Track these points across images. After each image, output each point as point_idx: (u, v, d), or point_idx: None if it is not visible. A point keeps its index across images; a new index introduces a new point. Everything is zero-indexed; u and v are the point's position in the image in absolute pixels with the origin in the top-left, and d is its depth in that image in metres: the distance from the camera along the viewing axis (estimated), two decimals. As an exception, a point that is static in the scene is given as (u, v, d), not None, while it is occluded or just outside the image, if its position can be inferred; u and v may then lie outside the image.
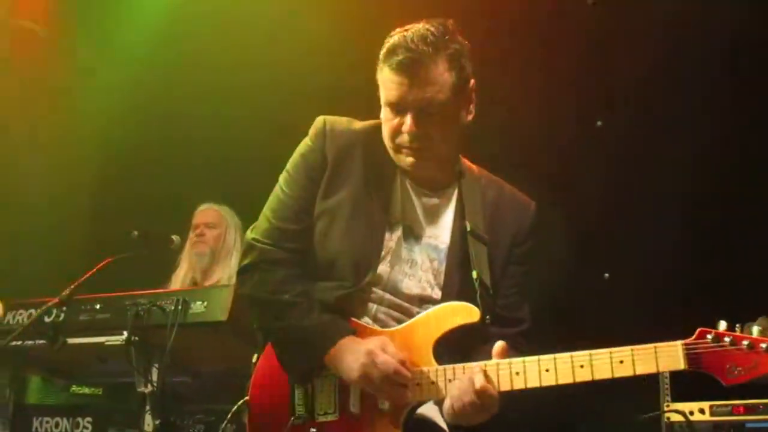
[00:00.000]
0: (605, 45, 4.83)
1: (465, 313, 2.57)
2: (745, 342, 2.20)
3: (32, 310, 3.88)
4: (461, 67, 2.63)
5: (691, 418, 3.20)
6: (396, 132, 2.65)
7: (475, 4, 4.76)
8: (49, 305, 3.71)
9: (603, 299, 4.57)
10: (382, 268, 2.69)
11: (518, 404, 2.55)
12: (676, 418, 3.23)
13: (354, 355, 2.53)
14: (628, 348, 2.30)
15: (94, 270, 3.82)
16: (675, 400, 3.27)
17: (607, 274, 4.72)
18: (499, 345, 2.45)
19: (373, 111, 2.80)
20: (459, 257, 2.70)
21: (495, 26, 4.78)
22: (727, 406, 3.17)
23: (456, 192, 2.79)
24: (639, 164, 4.76)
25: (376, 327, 2.65)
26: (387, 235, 2.71)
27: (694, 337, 2.25)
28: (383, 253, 2.69)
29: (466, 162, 2.87)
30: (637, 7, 4.77)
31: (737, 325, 2.24)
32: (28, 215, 6.14)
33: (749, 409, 3.12)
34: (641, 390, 3.35)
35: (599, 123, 4.89)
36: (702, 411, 3.20)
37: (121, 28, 6.54)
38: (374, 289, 2.69)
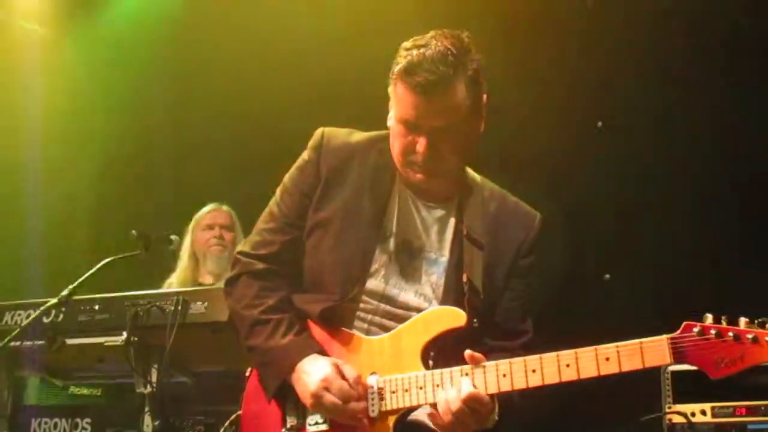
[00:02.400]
0: (604, 47, 4.83)
1: (451, 317, 2.55)
2: (731, 333, 2.17)
3: (31, 311, 3.86)
4: (478, 86, 2.60)
5: (693, 419, 3.19)
6: (408, 150, 2.62)
7: (472, 7, 4.77)
8: (48, 306, 3.69)
9: (603, 300, 4.57)
10: (376, 283, 2.67)
11: (519, 417, 2.55)
12: (678, 419, 3.22)
13: (304, 387, 2.55)
14: (613, 345, 2.28)
15: (93, 270, 3.81)
16: (676, 401, 3.26)
17: (607, 276, 4.72)
18: (467, 354, 2.42)
19: (377, 117, 2.79)
20: (457, 268, 2.68)
21: (492, 28, 4.78)
22: (729, 407, 3.15)
23: (457, 202, 2.76)
24: (639, 166, 4.76)
25: (362, 336, 2.64)
26: (379, 248, 2.68)
27: (679, 330, 2.22)
28: (375, 267, 2.67)
29: (471, 172, 2.84)
30: (635, 8, 4.77)
31: (723, 317, 2.21)
32: (29, 216, 6.13)
33: (751, 411, 3.10)
34: (643, 391, 3.35)
35: (599, 124, 4.89)
36: (704, 412, 3.19)
37: (123, 27, 6.55)
38: (368, 299, 2.67)
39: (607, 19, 4.87)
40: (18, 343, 3.77)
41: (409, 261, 2.70)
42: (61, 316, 3.83)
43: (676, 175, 4.64)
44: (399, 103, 2.60)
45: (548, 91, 4.88)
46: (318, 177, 2.75)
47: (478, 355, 2.43)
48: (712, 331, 2.18)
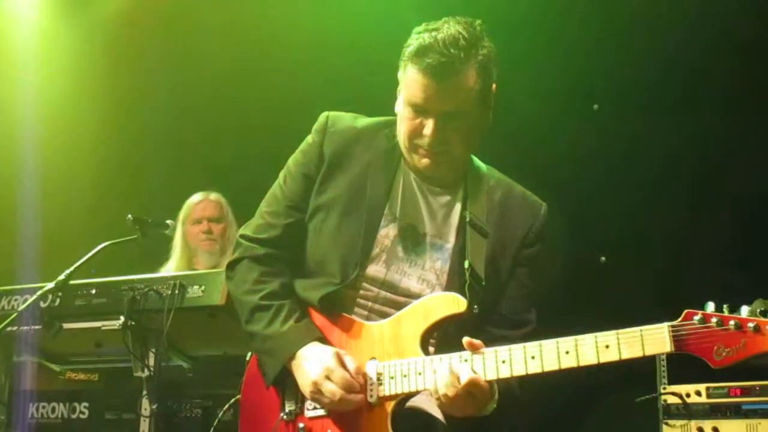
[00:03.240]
0: (601, 30, 4.82)
1: (451, 303, 2.53)
2: (732, 322, 2.15)
3: (28, 296, 3.86)
4: (489, 74, 2.59)
5: (688, 400, 3.21)
6: (416, 133, 2.60)
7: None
8: (45, 290, 3.69)
9: (599, 283, 4.58)
10: (377, 267, 2.66)
11: (518, 403, 2.54)
12: (673, 400, 3.23)
13: (304, 375, 2.54)
14: (613, 332, 2.27)
15: (89, 255, 3.81)
16: (672, 382, 3.28)
17: (603, 258, 4.73)
18: (465, 340, 2.41)
19: (381, 105, 2.80)
20: (461, 254, 2.67)
21: (490, 14, 4.75)
22: (723, 388, 3.17)
23: (463, 189, 2.74)
24: (636, 149, 4.76)
25: (362, 321, 2.63)
26: (382, 232, 2.67)
27: (680, 318, 2.21)
28: (377, 251, 2.66)
29: (477, 161, 2.83)
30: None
31: (725, 306, 2.19)
32: (25, 201, 6.13)
33: (746, 391, 3.12)
34: (638, 372, 3.36)
35: (596, 107, 4.89)
36: (698, 393, 3.21)
37: (121, 16, 6.53)
38: (369, 286, 2.66)
39: (606, 3, 4.87)
40: (15, 328, 3.77)
41: (412, 246, 2.68)
42: (58, 300, 3.83)
43: (675, 159, 4.65)
44: (408, 85, 2.58)
45: (545, 74, 4.87)
46: (321, 159, 2.74)
47: (476, 341, 2.42)
48: (714, 320, 2.17)
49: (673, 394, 3.24)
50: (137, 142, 6.38)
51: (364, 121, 2.81)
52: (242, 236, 2.82)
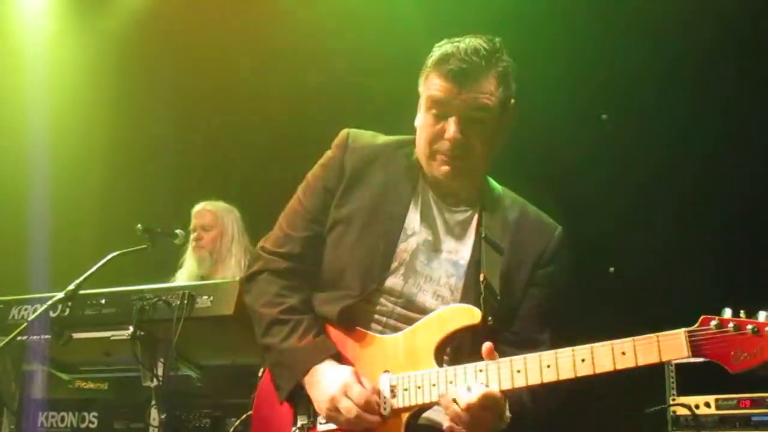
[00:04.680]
0: (609, 40, 4.82)
1: (466, 314, 2.53)
2: (750, 326, 2.14)
3: (38, 305, 3.87)
4: (508, 85, 2.62)
5: (697, 411, 3.19)
6: (437, 137, 2.62)
7: (478, 2, 4.77)
8: (55, 300, 3.70)
9: (609, 293, 4.57)
10: (395, 281, 2.66)
11: (529, 416, 2.53)
12: (682, 411, 3.22)
13: (320, 391, 2.54)
14: (629, 339, 2.25)
15: (99, 265, 3.82)
16: (681, 393, 3.27)
17: (612, 269, 4.72)
18: (486, 346, 2.41)
19: (390, 119, 2.82)
20: (476, 270, 2.67)
21: (496, 21, 4.77)
22: (732, 399, 3.16)
23: (479, 207, 2.75)
24: (644, 157, 4.75)
25: (376, 335, 2.63)
26: (402, 246, 2.67)
27: (697, 324, 2.20)
28: (395, 264, 2.66)
29: (492, 181, 2.85)
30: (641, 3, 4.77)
31: (741, 311, 2.18)
32: (35, 211, 6.14)
33: (755, 403, 3.11)
34: (647, 383, 3.36)
35: (604, 116, 4.88)
36: (708, 405, 3.19)
37: (129, 22, 6.55)
38: (384, 301, 2.66)
39: (615, 12, 4.86)
40: (25, 338, 3.78)
41: (428, 261, 2.68)
42: (68, 310, 3.84)
43: (682, 167, 4.64)
44: (429, 90, 2.61)
45: (553, 84, 4.87)
46: (342, 174, 2.75)
47: (491, 354, 2.41)
48: (730, 325, 2.16)
49: (683, 405, 3.23)
50: (148, 152, 6.40)
51: (383, 139, 2.83)
52: (262, 249, 2.83)
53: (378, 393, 2.53)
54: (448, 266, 2.69)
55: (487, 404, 2.36)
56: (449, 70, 2.55)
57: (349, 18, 5.51)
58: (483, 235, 2.68)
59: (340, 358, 2.61)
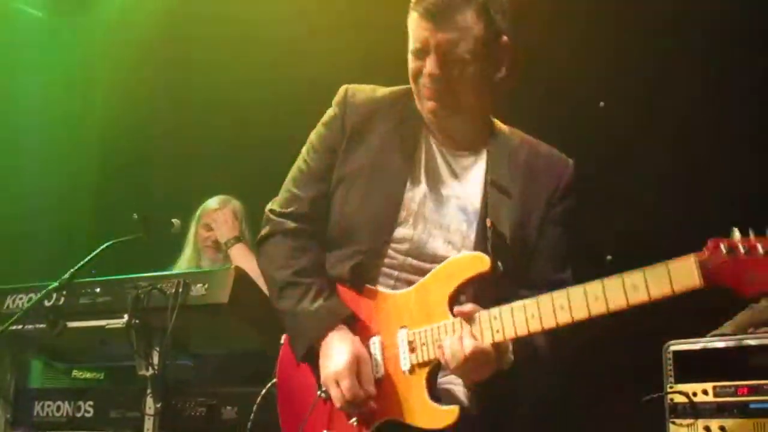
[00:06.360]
0: (609, 28, 4.80)
1: (476, 262, 2.50)
2: (761, 248, 2.01)
3: (32, 294, 3.87)
4: (491, 19, 2.58)
5: (695, 399, 3.17)
6: (418, 74, 2.62)
7: None
8: (49, 289, 3.70)
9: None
10: (405, 231, 2.65)
11: (539, 358, 2.53)
12: (680, 399, 3.20)
13: (324, 365, 2.57)
14: (639, 269, 2.18)
15: (94, 254, 3.82)
16: (678, 381, 3.25)
17: (609, 257, 4.70)
18: (455, 310, 2.43)
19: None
20: (485, 216, 2.66)
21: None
22: (731, 387, 3.13)
23: (485, 151, 2.73)
24: (641, 146, 4.73)
25: (389, 291, 2.63)
26: (409, 195, 2.66)
27: (706, 249, 2.09)
28: (405, 214, 2.65)
29: (499, 123, 2.83)
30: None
31: (751, 231, 2.07)
32: (29, 200, 6.14)
33: (753, 390, 3.08)
34: (644, 371, 3.34)
35: (602, 104, 4.86)
36: (705, 392, 3.17)
37: (124, 14, 6.53)
38: (395, 254, 2.65)
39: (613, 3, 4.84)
40: (20, 327, 3.77)
41: (437, 209, 2.67)
42: (63, 299, 3.83)
43: (679, 157, 4.61)
44: (410, 29, 2.62)
45: (551, 71, 4.84)
46: (343, 131, 2.75)
47: (466, 309, 2.42)
48: (741, 248, 2.05)
49: (680, 393, 3.21)
50: (143, 140, 6.38)
51: (383, 90, 2.83)
52: (270, 211, 2.83)
53: (373, 385, 2.54)
54: (457, 212, 2.67)
55: (479, 360, 2.38)
56: (425, 7, 2.54)
57: (348, 15, 5.49)
58: (489, 180, 2.66)
59: (353, 320, 2.62)
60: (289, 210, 2.79)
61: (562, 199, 2.72)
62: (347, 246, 2.69)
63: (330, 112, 2.82)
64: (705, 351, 3.17)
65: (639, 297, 2.19)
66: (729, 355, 3.12)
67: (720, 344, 3.16)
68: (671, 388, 3.22)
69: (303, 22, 5.61)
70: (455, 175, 2.71)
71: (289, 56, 5.64)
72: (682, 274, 2.12)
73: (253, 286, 3.60)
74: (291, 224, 2.77)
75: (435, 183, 2.69)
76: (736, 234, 2.09)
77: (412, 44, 2.62)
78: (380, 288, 2.65)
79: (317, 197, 2.77)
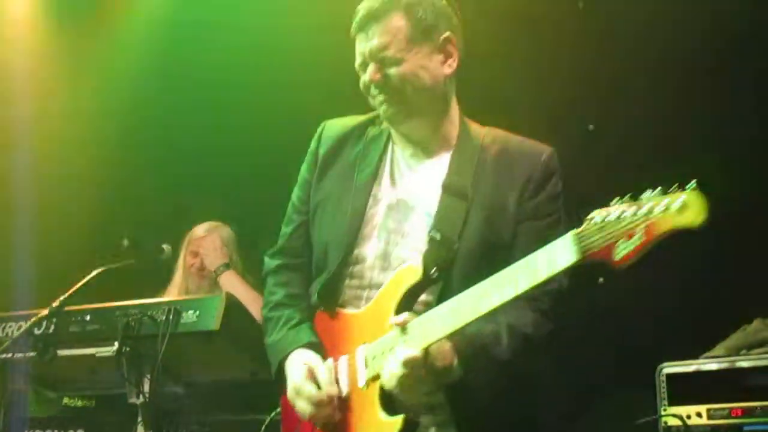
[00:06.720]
0: (596, 47, 4.81)
1: (409, 274, 2.53)
2: (628, 212, 1.92)
3: (22, 322, 3.84)
4: (419, 17, 2.67)
5: (689, 422, 3.17)
6: (366, 87, 2.73)
7: (465, 7, 4.75)
8: (39, 317, 3.67)
9: (598, 304, 4.54)
10: (370, 245, 2.69)
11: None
12: (674, 422, 3.20)
13: (287, 385, 2.68)
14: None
15: (84, 281, 3.79)
16: (672, 403, 3.25)
17: (601, 279, 4.69)
18: (390, 321, 2.44)
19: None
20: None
21: (485, 24, 4.75)
22: (724, 409, 3.13)
23: (450, 156, 2.74)
24: (632, 167, 4.74)
25: (353, 311, 2.67)
26: (371, 212, 2.71)
27: (584, 224, 2.02)
28: (368, 229, 2.70)
29: (472, 124, 2.83)
30: (626, 9, 4.76)
31: (629, 196, 1.97)
32: (20, 226, 6.10)
33: (747, 412, 3.08)
34: (638, 393, 3.34)
35: (591, 127, 4.87)
36: (699, 415, 3.17)
37: (118, 30, 6.51)
38: (362, 273, 2.68)
39: (600, 19, 4.86)
40: (9, 355, 3.75)
41: (404, 219, 2.69)
42: (53, 327, 3.81)
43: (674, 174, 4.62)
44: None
45: (540, 92, 4.86)
46: (316, 163, 2.87)
47: (401, 319, 2.42)
48: (611, 216, 1.96)
49: (674, 416, 3.21)
50: (134, 166, 6.36)
51: (357, 118, 2.92)
52: (264, 253, 2.98)
53: (336, 387, 2.60)
54: (420, 221, 2.67)
55: (413, 367, 2.35)
56: (357, 25, 2.69)
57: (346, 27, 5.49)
58: (443, 184, 2.67)
59: (316, 346, 2.67)
60: (277, 248, 2.94)
61: (536, 191, 2.65)
62: (323, 270, 2.76)
63: (310, 147, 2.94)
64: (698, 373, 3.18)
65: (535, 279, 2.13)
66: (722, 377, 3.12)
67: (713, 366, 3.17)
68: (665, 410, 3.22)
69: (307, 52, 5.59)
70: (420, 182, 2.74)
71: (290, 82, 5.64)
72: (560, 252, 2.06)
73: (244, 313, 3.60)
74: (275, 263, 2.92)
75: (400, 192, 2.73)
76: (614, 201, 2.01)
77: (356, 63, 2.73)
78: (350, 309, 2.69)
79: (298, 228, 2.88)
